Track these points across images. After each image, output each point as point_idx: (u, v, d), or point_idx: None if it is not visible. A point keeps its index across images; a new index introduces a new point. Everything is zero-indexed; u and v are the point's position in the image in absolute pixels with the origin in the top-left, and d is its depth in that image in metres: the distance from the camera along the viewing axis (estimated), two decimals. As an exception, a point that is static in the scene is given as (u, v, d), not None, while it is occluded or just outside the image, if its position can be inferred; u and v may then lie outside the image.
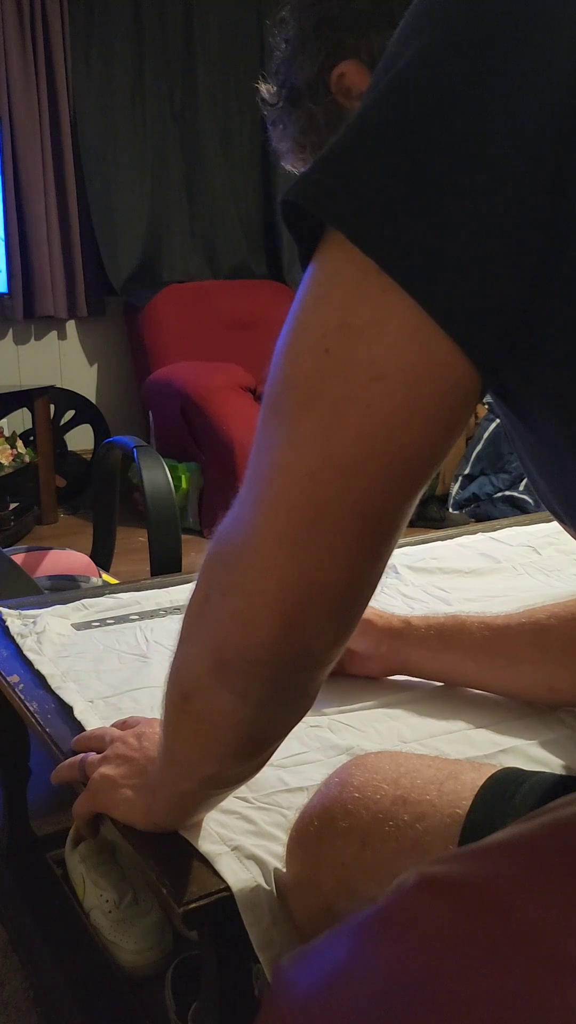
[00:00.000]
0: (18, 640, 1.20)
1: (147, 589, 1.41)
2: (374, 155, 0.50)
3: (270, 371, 0.53)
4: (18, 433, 3.74)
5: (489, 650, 0.98)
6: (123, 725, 0.90)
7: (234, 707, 0.60)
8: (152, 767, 0.76)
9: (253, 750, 0.67)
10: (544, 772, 0.70)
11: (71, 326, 4.25)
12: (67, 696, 1.05)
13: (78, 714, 1.00)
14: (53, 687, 1.07)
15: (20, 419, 3.96)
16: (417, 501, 0.55)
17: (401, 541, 1.76)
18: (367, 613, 0.83)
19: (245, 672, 0.57)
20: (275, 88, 0.81)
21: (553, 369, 0.53)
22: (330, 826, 0.71)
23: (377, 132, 0.50)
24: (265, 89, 0.82)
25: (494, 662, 0.99)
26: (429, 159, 0.48)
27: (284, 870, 0.76)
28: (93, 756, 0.85)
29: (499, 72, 0.48)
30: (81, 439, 4.10)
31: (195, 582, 0.60)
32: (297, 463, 0.51)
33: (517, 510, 3.38)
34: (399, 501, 0.53)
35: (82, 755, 0.87)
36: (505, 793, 0.66)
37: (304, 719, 0.97)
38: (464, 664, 1.01)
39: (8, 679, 1.10)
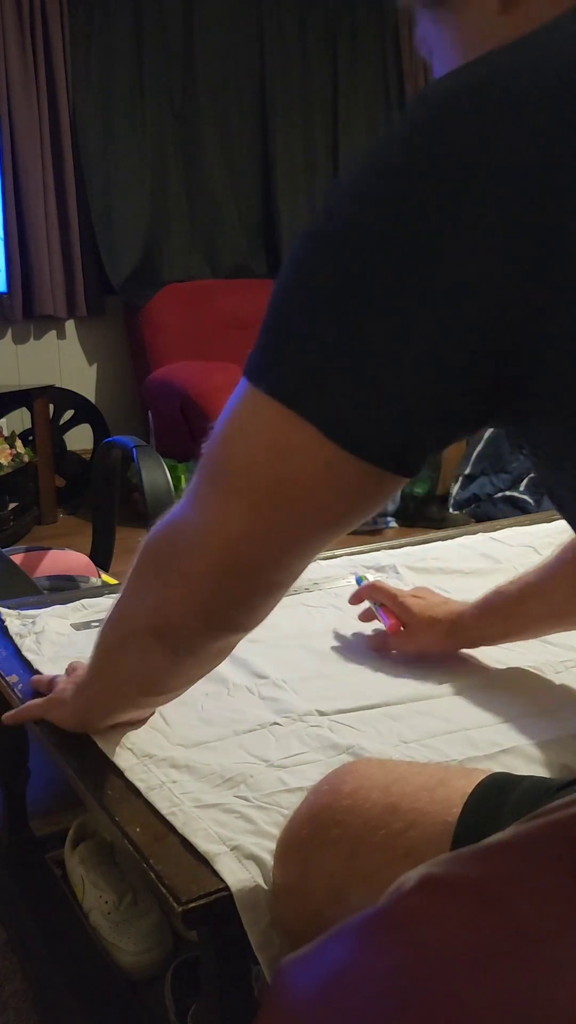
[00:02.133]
0: (17, 640, 1.20)
1: (147, 589, 1.41)
2: (300, 329, 0.59)
3: (215, 430, 0.66)
4: (17, 433, 3.74)
5: (523, 598, 1.06)
6: (71, 670, 1.04)
7: (162, 655, 0.78)
8: (83, 680, 0.94)
9: (163, 690, 0.88)
10: (535, 776, 0.70)
11: (70, 326, 4.25)
12: (66, 696, 1.05)
13: (77, 714, 1.00)
14: (52, 687, 1.07)
15: (19, 419, 3.96)
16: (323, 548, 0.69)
17: (401, 541, 1.75)
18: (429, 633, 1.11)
19: (174, 637, 0.75)
20: None
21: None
22: (320, 834, 0.71)
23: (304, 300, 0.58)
24: None
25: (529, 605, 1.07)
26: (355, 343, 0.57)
27: None
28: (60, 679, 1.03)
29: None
30: (81, 439, 4.10)
31: (142, 547, 0.76)
32: (224, 530, 0.66)
33: (517, 510, 3.38)
34: (307, 557, 0.69)
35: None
36: (496, 799, 0.66)
37: (304, 719, 0.98)
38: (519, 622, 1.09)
39: (7, 679, 1.10)
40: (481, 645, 1.12)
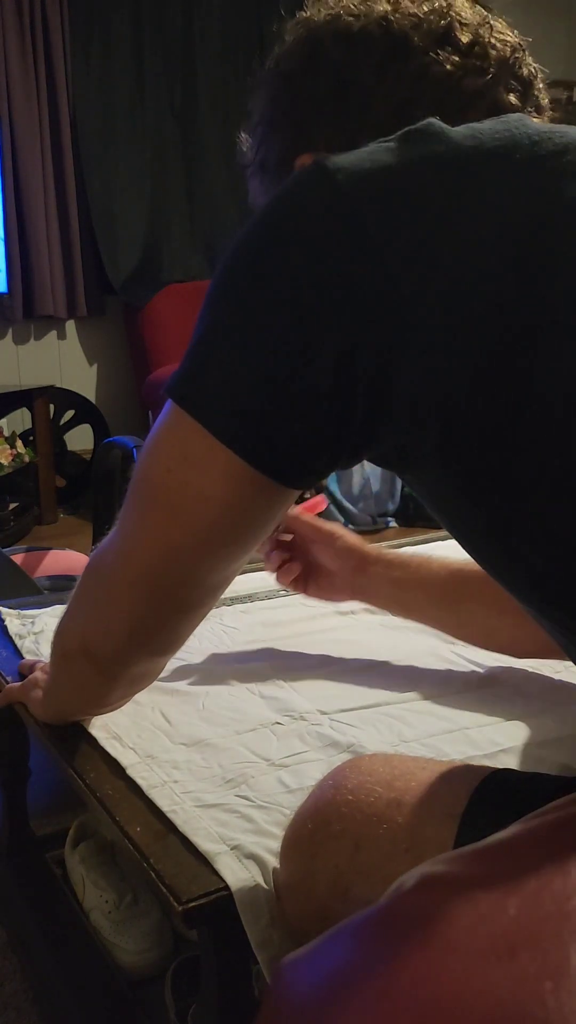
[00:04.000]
0: (16, 641, 1.20)
1: (147, 589, 1.40)
2: (213, 360, 0.65)
3: (143, 448, 0.71)
4: (18, 433, 3.73)
5: (442, 589, 1.09)
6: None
7: (93, 674, 0.83)
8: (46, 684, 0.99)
9: (103, 705, 0.92)
10: (539, 773, 0.70)
11: (71, 326, 4.25)
12: (67, 696, 1.05)
13: (78, 714, 1.00)
14: (53, 687, 1.07)
15: (20, 419, 3.96)
16: (236, 570, 0.73)
17: (401, 541, 1.75)
18: (349, 538, 1.15)
19: (102, 658, 0.81)
20: (252, 150, 0.84)
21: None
22: (324, 829, 0.71)
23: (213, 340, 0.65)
24: (245, 139, 0.86)
25: (443, 600, 1.09)
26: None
27: None
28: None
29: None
30: (81, 439, 4.10)
31: (84, 571, 0.80)
32: (144, 541, 0.71)
33: (517, 510, 3.37)
34: (217, 574, 0.72)
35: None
36: (500, 796, 0.66)
37: (304, 718, 0.98)
38: (418, 602, 1.12)
39: (8, 679, 1.10)
40: (366, 598, 1.16)
